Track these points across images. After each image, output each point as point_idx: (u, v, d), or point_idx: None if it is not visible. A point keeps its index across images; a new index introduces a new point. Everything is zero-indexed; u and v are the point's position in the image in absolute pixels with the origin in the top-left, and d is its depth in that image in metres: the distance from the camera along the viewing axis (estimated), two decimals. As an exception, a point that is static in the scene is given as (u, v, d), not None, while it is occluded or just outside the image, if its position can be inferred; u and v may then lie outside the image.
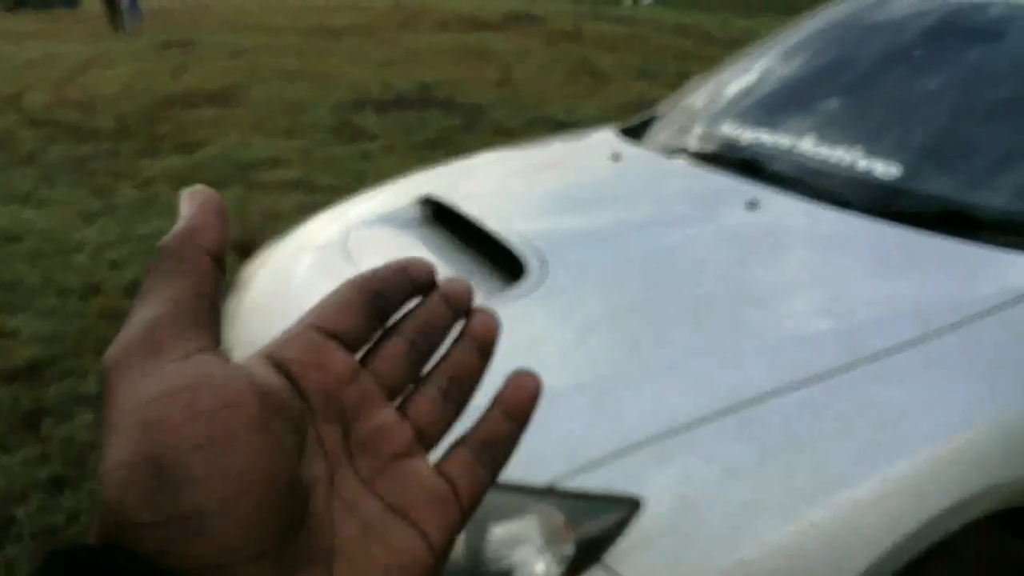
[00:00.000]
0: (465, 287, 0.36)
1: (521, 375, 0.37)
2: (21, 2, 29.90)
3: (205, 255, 0.31)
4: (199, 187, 0.33)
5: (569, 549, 1.06)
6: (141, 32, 18.30)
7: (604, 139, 2.32)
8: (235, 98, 9.23)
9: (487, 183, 2.08)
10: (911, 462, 1.09)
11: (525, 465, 1.10)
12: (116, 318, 3.53)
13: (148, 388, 0.26)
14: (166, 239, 0.31)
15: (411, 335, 0.34)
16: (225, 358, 0.28)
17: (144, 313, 0.29)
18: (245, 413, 0.27)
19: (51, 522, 2.29)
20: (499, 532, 1.09)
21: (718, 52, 13.04)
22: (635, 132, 2.35)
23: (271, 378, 0.30)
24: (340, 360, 0.32)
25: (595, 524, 1.06)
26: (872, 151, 1.73)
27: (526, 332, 1.34)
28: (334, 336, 0.33)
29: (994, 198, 1.58)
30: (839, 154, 1.77)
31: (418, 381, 0.35)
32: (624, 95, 9.53)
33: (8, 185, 5.58)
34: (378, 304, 0.34)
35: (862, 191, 1.65)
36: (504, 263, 1.57)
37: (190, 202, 0.33)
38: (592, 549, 1.05)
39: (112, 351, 0.28)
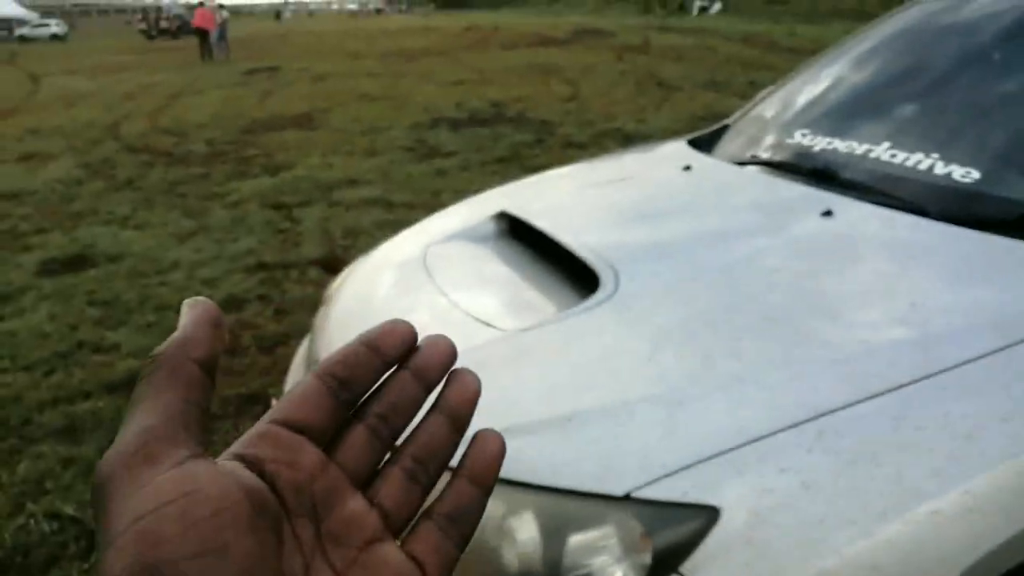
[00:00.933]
0: (444, 350, 0.38)
1: (484, 437, 0.37)
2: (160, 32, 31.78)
3: (195, 365, 0.32)
4: (199, 299, 0.35)
5: (647, 558, 1.07)
6: (228, 60, 19.05)
7: (675, 150, 2.37)
8: (317, 121, 9.58)
9: (560, 197, 2.15)
10: (993, 476, 1.07)
11: (602, 474, 1.14)
12: (210, 332, 3.73)
13: (143, 500, 0.28)
14: (159, 349, 0.32)
15: (374, 421, 0.35)
16: (212, 462, 0.30)
17: (137, 422, 0.30)
18: (235, 518, 0.28)
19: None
20: (577, 541, 1.11)
21: (785, 60, 12.86)
22: (706, 143, 2.38)
23: (251, 478, 0.31)
24: (309, 455, 0.33)
25: (672, 533, 1.07)
26: (948, 156, 1.70)
27: (600, 344, 1.37)
28: (301, 431, 0.34)
29: None
30: (915, 159, 1.74)
31: (386, 461, 0.36)
32: (692, 106, 9.51)
33: (108, 209, 5.93)
34: (341, 397, 0.34)
35: (939, 197, 1.63)
36: (578, 276, 1.61)
37: (188, 313, 0.34)
38: (669, 559, 1.06)
39: (106, 463, 0.29)
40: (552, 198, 2.15)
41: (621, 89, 11.16)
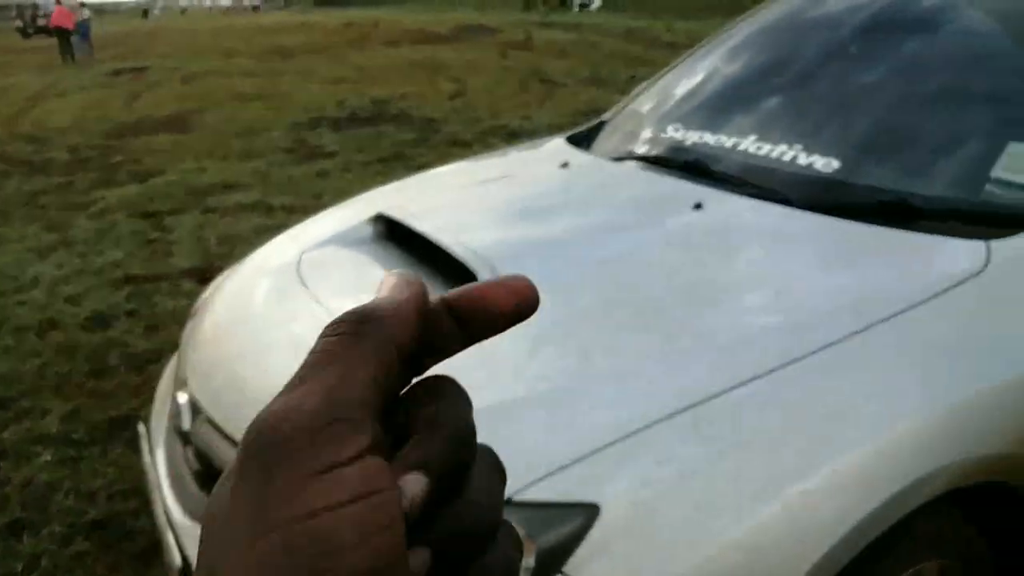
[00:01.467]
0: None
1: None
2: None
3: (393, 347, 0.28)
4: (402, 271, 0.31)
5: (530, 562, 1.07)
6: (92, 61, 18.10)
7: (554, 148, 2.38)
8: (189, 123, 9.19)
9: (439, 197, 2.11)
10: (858, 452, 1.12)
11: None
12: (74, 353, 3.51)
13: (323, 491, 0.23)
14: (357, 311, 0.28)
15: None
16: (384, 462, 0.25)
17: (323, 385, 0.25)
18: (396, 538, 0.24)
19: (10, 569, 2.27)
20: None
21: (665, 55, 13.19)
22: (584, 139, 2.40)
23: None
24: None
25: (555, 534, 1.07)
26: (811, 147, 1.77)
27: (479, 345, 1.37)
28: None
29: (929, 186, 1.63)
30: (779, 151, 1.80)
31: None
32: (576, 102, 9.64)
33: (-41, 224, 5.51)
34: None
35: (803, 187, 1.69)
36: (459, 277, 1.60)
37: (388, 285, 0.30)
38: (552, 560, 1.06)
39: (284, 419, 0.24)
40: (430, 198, 2.11)
41: (506, 86, 11.20)
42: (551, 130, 7.61)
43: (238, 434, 1.38)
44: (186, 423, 1.53)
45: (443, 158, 6.93)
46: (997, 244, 1.39)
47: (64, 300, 4.07)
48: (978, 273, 1.33)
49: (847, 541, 1.08)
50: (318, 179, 6.43)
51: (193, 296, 4.04)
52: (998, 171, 1.52)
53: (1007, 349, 1.27)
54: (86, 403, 3.10)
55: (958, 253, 1.38)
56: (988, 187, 1.52)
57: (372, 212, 2.01)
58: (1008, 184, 1.51)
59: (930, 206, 1.54)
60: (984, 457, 1.21)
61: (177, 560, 1.38)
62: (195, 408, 1.54)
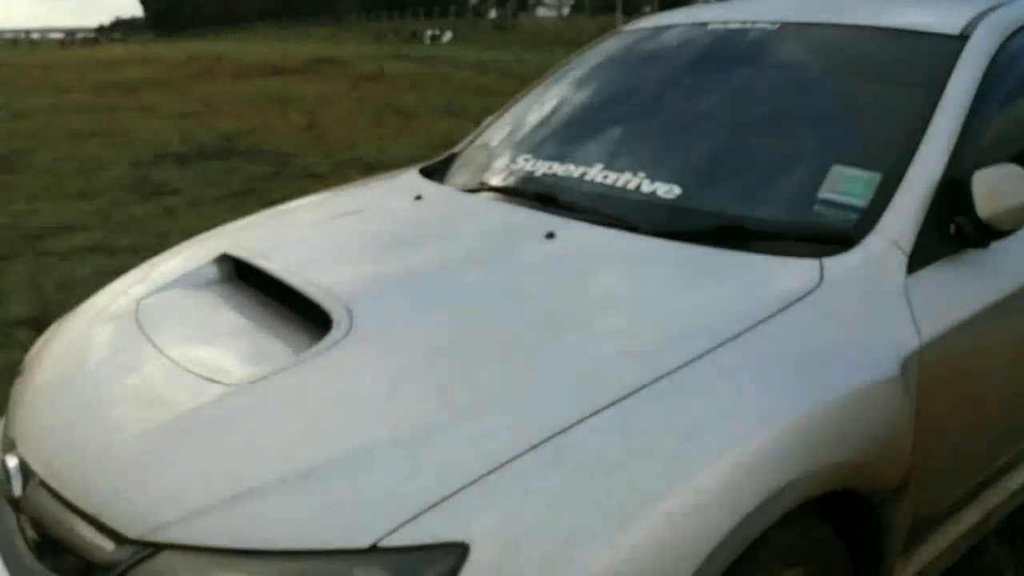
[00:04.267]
0: None
1: None
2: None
3: None
4: None
5: None
6: (-100, 98, 16.63)
7: (407, 180, 2.36)
8: (19, 162, 8.57)
9: (288, 234, 2.05)
10: (716, 470, 1.15)
11: (346, 528, 1.09)
12: None
13: None
14: None
15: None
16: None
17: None
18: None
19: None
20: None
21: (516, 86, 13.47)
22: (437, 171, 2.40)
23: None
24: None
25: None
26: (653, 174, 1.83)
27: (336, 388, 1.32)
28: None
29: (764, 209, 1.71)
30: (624, 179, 1.85)
31: None
32: (431, 133, 9.67)
33: None
34: None
35: (648, 213, 1.74)
36: (312, 317, 1.54)
37: None
38: None
39: None
40: (279, 235, 2.05)
41: (359, 118, 11.10)
42: (407, 161, 7.60)
43: (76, 498, 1.28)
44: (17, 489, 1.40)
45: (298, 192, 6.76)
46: (829, 261, 1.48)
47: None
48: (814, 289, 1.42)
49: (713, 558, 1.11)
50: (164, 217, 6.14)
51: (27, 347, 3.76)
52: (824, 192, 1.63)
53: (845, 360, 1.36)
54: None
55: (794, 271, 1.47)
56: (817, 208, 1.63)
57: (217, 251, 1.93)
58: (834, 204, 1.62)
59: (765, 228, 1.63)
60: (833, 466, 1.28)
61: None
62: (26, 472, 1.41)
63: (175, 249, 2.22)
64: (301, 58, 19.77)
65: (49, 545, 1.35)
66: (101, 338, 1.69)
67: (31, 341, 3.83)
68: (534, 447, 1.14)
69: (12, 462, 1.44)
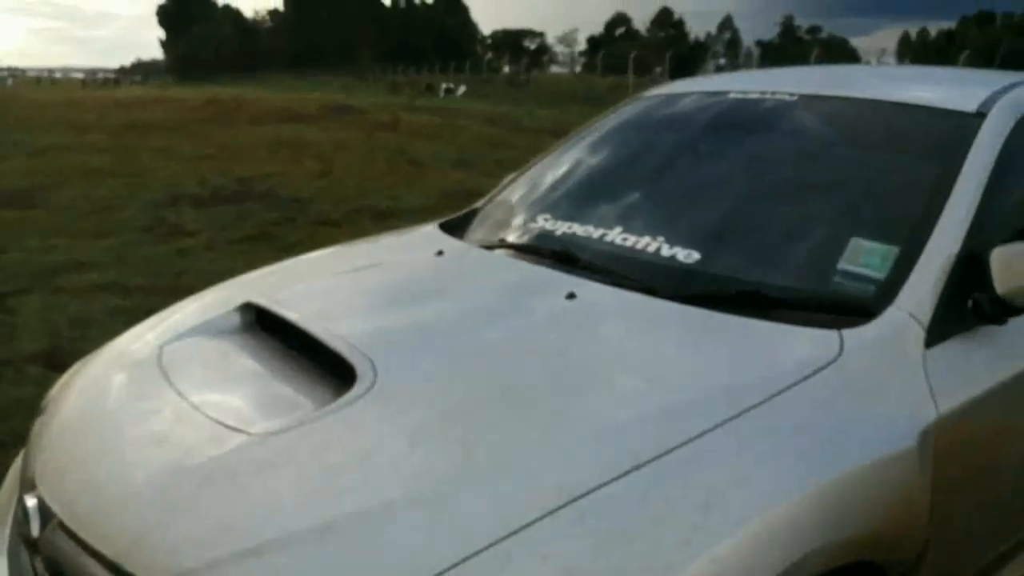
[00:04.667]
0: None
1: None
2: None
3: None
4: None
5: None
6: (-78, 131, 16.91)
7: (428, 235, 2.40)
8: (36, 199, 8.68)
9: (309, 285, 2.07)
10: (736, 539, 1.15)
11: None
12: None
13: None
14: None
15: None
16: None
17: None
18: None
19: None
20: None
21: (528, 140, 13.68)
22: (458, 227, 2.43)
23: None
24: None
25: None
26: (673, 239, 1.86)
27: (358, 443, 1.33)
28: None
29: (783, 277, 1.74)
30: (643, 242, 1.88)
31: None
32: (444, 183, 9.78)
33: None
34: None
35: (667, 277, 1.76)
36: (334, 370, 1.55)
37: None
38: None
39: None
40: (301, 286, 2.08)
41: (373, 166, 11.23)
42: (419, 210, 7.69)
43: (96, 541, 1.29)
44: (35, 530, 1.41)
45: (311, 237, 6.85)
46: (848, 333, 1.50)
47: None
48: (833, 360, 1.43)
49: None
50: (178, 258, 6.19)
51: (42, 383, 3.77)
52: (844, 264, 1.66)
53: (863, 432, 1.37)
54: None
55: (814, 341, 1.48)
56: (836, 279, 1.65)
57: (239, 299, 1.95)
58: (853, 276, 1.64)
59: (784, 296, 1.65)
60: (851, 537, 1.28)
61: None
62: (45, 513, 1.42)
63: (197, 296, 2.24)
64: (318, 105, 20.07)
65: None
66: (123, 382, 1.71)
67: (43, 377, 3.86)
68: (552, 511, 1.15)
69: (31, 502, 1.44)
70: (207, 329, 1.87)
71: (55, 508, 1.39)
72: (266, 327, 1.86)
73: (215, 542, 1.20)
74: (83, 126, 16.70)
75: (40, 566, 1.41)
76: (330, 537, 1.16)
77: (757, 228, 1.90)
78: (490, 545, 1.11)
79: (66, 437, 1.57)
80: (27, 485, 1.53)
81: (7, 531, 1.61)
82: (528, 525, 1.13)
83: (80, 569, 1.29)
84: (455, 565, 1.09)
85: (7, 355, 4.14)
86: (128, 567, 1.22)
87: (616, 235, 1.98)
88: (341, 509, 1.20)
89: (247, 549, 1.17)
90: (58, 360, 4.06)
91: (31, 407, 3.48)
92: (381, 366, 1.49)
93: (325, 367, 1.59)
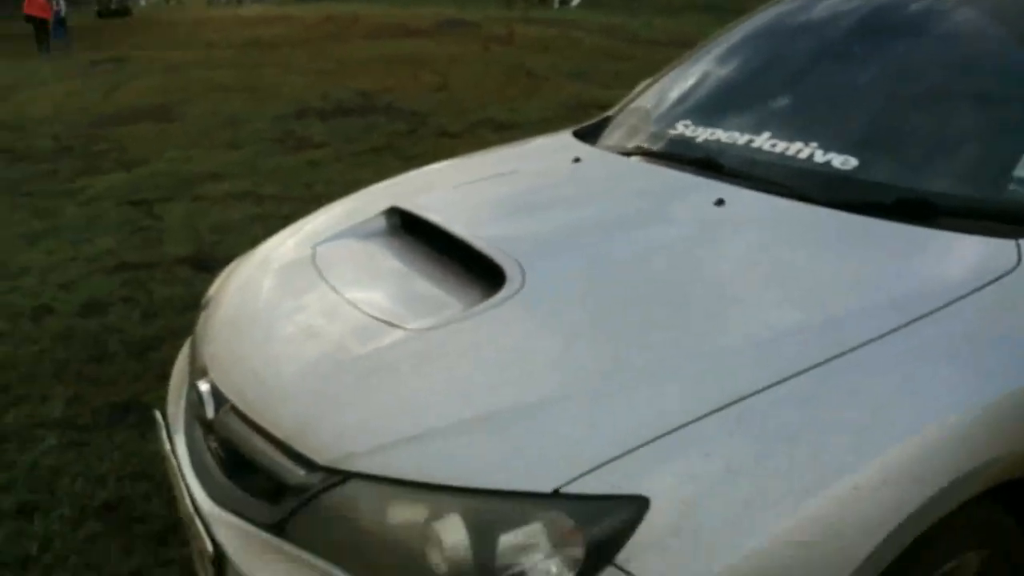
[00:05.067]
0: None
1: None
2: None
3: None
4: None
5: (579, 552, 1.08)
6: (69, 51, 17.82)
7: (562, 143, 2.37)
8: (172, 113, 9.09)
9: (451, 192, 2.10)
10: (906, 447, 1.13)
11: (528, 472, 1.14)
12: (71, 340, 3.48)
13: None
14: None
15: None
16: None
17: None
18: None
19: (23, 550, 2.26)
20: (508, 540, 1.10)
21: (645, 51, 13.24)
22: (591, 134, 2.39)
23: None
24: None
25: (604, 526, 1.07)
26: (827, 144, 1.77)
27: (511, 341, 1.36)
28: None
29: (952, 185, 1.63)
30: (795, 148, 1.80)
31: None
32: (561, 95, 9.63)
33: (-57, 211, 5.42)
34: None
35: (823, 184, 1.69)
36: (480, 272, 1.58)
37: None
38: (603, 551, 1.07)
39: None
40: (442, 192, 2.11)
41: (490, 79, 11.16)
42: (538, 122, 7.62)
43: (267, 425, 1.38)
44: (209, 412, 1.52)
45: (434, 149, 6.92)
46: (1026, 243, 1.40)
47: (57, 287, 4.03)
48: (1011, 271, 1.35)
49: (896, 535, 1.09)
50: (308, 169, 6.39)
51: (189, 284, 4.03)
52: (1021, 171, 1.55)
53: None
54: (87, 389, 3.07)
55: (988, 251, 1.39)
56: (1012, 186, 1.55)
57: (381, 205, 2.00)
58: (1032, 184, 1.53)
59: (955, 204, 1.55)
60: (1021, 453, 1.23)
61: (209, 548, 1.38)
62: (218, 398, 1.53)
63: (339, 202, 2.30)
64: (433, 20, 19.96)
65: (238, 465, 1.46)
66: (281, 279, 1.80)
67: (191, 277, 4.10)
68: (714, 411, 1.15)
69: (204, 387, 1.55)
70: (355, 232, 1.93)
71: (227, 394, 1.49)
72: (411, 230, 1.90)
73: (379, 429, 1.26)
74: (210, 43, 17.23)
75: (215, 443, 1.53)
76: (491, 426, 1.21)
77: (919, 133, 1.79)
78: (651, 440, 1.12)
79: (234, 329, 1.67)
80: (198, 372, 1.65)
81: (182, 412, 1.74)
82: (688, 423, 1.13)
83: (252, 448, 1.39)
84: (618, 456, 1.11)
85: (159, 258, 4.42)
86: (298, 448, 1.31)
87: (764, 141, 1.90)
88: (500, 401, 1.24)
89: (411, 436, 1.23)
90: (202, 262, 4.31)
91: (183, 305, 3.73)
92: (529, 268, 1.52)
93: (472, 269, 1.62)
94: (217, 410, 1.50)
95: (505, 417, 1.22)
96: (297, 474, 1.29)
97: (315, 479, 1.26)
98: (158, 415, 1.77)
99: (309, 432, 1.31)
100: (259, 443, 1.38)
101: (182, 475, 1.56)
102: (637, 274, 1.50)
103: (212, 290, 2.05)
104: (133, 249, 4.56)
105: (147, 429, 2.80)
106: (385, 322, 1.48)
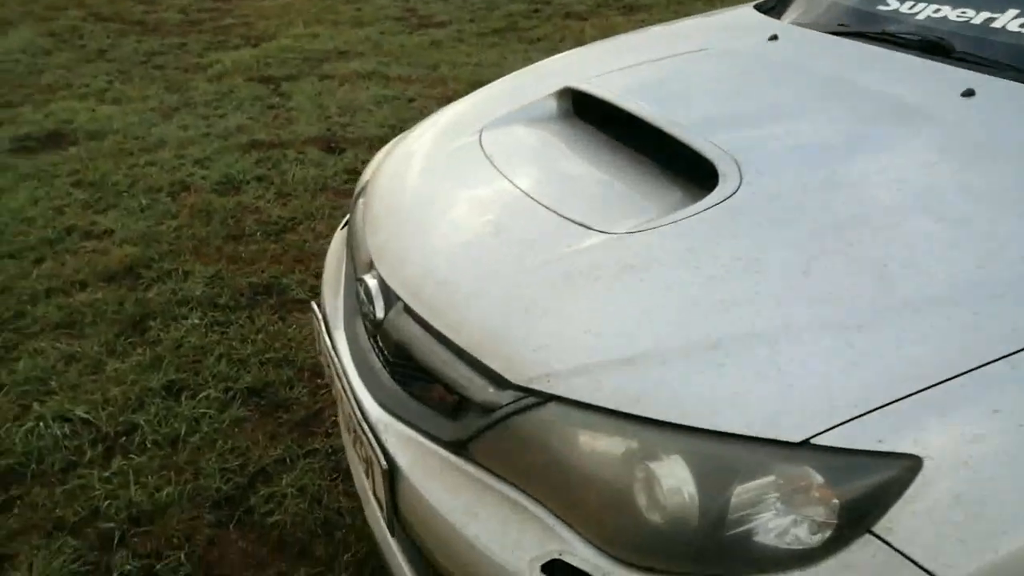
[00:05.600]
0: None
1: None
2: None
3: None
4: None
5: (829, 515, 0.91)
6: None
7: (747, 18, 2.08)
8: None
9: (630, 72, 1.84)
10: None
11: (771, 415, 0.94)
12: (209, 217, 3.47)
13: None
14: None
15: None
16: None
17: None
18: None
19: (173, 430, 2.27)
20: (744, 493, 0.94)
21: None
22: (777, 9, 2.10)
23: None
24: None
25: (863, 487, 0.90)
26: None
27: (737, 252, 1.15)
28: None
29: None
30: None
31: None
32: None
33: (82, 82, 5.49)
34: None
35: None
36: (680, 167, 1.38)
37: None
38: (859, 517, 0.90)
39: None
40: (620, 73, 1.86)
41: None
42: (670, 2, 7.10)
43: (447, 330, 1.21)
44: (379, 311, 1.39)
45: (559, 31, 6.57)
46: None
47: (193, 163, 4.02)
48: None
49: None
50: (432, 49, 6.16)
51: (320, 165, 3.95)
52: None
53: None
54: (227, 268, 3.07)
55: None
56: None
57: (547, 86, 1.79)
58: None
59: None
60: None
61: (382, 461, 1.27)
62: (388, 295, 1.40)
63: (500, 82, 2.10)
64: None
65: (411, 371, 1.34)
66: (451, 167, 1.62)
67: (321, 159, 4.03)
68: (1007, 355, 0.93)
69: (372, 282, 1.42)
70: (523, 116, 1.73)
71: (399, 292, 1.36)
72: (586, 115, 1.70)
73: (582, 347, 1.10)
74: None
75: (385, 345, 1.41)
76: (721, 355, 1.02)
77: None
78: (925, 388, 0.92)
79: (399, 219, 1.52)
80: (363, 266, 1.52)
81: (341, 306, 1.63)
82: (974, 369, 0.92)
83: (428, 355, 1.26)
84: (885, 405, 0.92)
85: (289, 137, 4.35)
86: (486, 361, 1.17)
87: (1009, 20, 1.59)
88: (731, 326, 1.05)
89: (620, 359, 1.06)
90: (332, 144, 4.22)
91: (316, 187, 3.66)
92: (748, 168, 1.29)
93: (669, 163, 1.42)
94: (387, 309, 1.37)
95: (739, 346, 1.02)
96: (484, 390, 1.16)
97: (506, 398, 1.12)
98: (316, 308, 1.68)
99: (499, 343, 1.16)
100: (437, 350, 1.25)
101: (345, 376, 1.45)
102: (885, 185, 1.25)
103: (366, 175, 1.91)
104: (264, 127, 4.51)
105: (287, 313, 2.78)
106: (575, 222, 1.30)
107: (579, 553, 1.04)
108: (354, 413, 1.38)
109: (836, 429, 0.92)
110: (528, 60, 5.71)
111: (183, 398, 2.39)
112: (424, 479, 1.22)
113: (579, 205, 1.36)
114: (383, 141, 4.30)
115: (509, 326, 1.17)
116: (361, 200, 1.76)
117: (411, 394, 1.33)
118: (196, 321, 2.73)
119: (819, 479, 0.92)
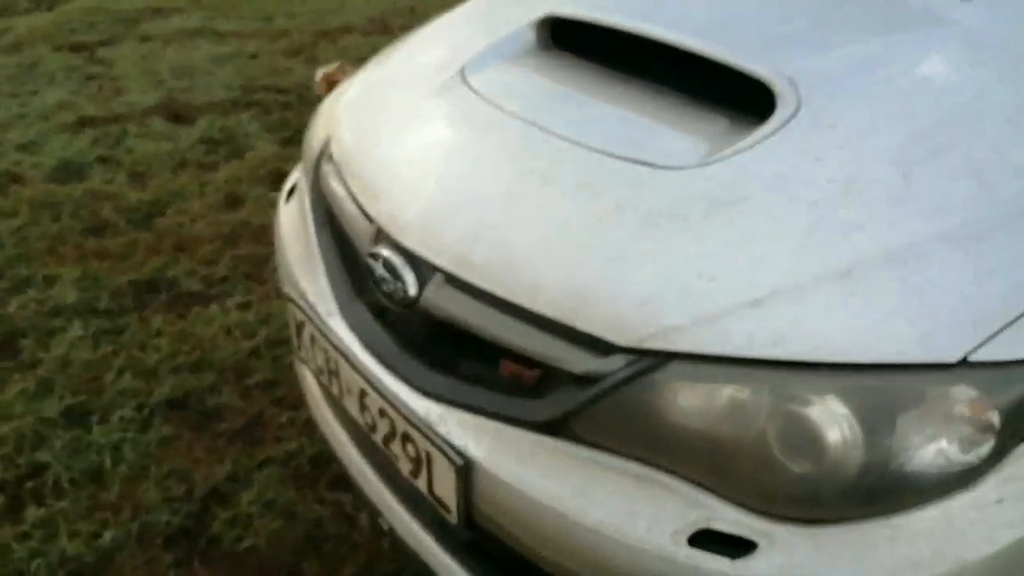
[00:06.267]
0: None
1: None
2: None
3: None
4: None
5: (988, 429, 0.89)
6: None
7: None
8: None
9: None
10: None
11: (921, 338, 0.88)
12: (57, 210, 3.00)
13: None
14: None
15: None
16: None
17: None
18: None
19: (90, 463, 1.95)
20: (907, 422, 0.89)
21: None
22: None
23: None
24: None
25: (1018, 396, 0.89)
26: None
27: (828, 174, 1.06)
28: None
29: None
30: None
31: None
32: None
33: None
34: None
35: None
36: (694, 91, 1.27)
37: None
38: (1017, 426, 0.89)
39: None
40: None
41: None
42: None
43: (519, 298, 1.03)
44: (411, 288, 1.18)
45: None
46: None
47: (16, 149, 3.47)
48: None
49: None
50: None
51: (169, 137, 3.54)
52: None
53: None
54: (96, 266, 2.67)
55: None
56: None
57: (518, 16, 1.60)
58: None
59: None
60: None
61: (453, 455, 1.10)
62: (416, 268, 1.19)
63: (455, 15, 1.83)
64: None
65: (456, 352, 1.18)
66: (445, 114, 1.41)
67: (171, 132, 3.61)
68: None
69: (393, 256, 1.20)
70: (500, 50, 1.53)
71: (437, 262, 1.16)
72: (576, 46, 1.51)
73: (699, 294, 0.98)
74: None
75: (416, 326, 1.23)
76: (854, 283, 0.94)
77: None
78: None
79: (412, 180, 1.29)
80: (366, 240, 1.29)
81: (328, 290, 1.41)
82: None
83: (494, 328, 1.09)
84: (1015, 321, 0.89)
85: (125, 110, 3.86)
86: (579, 325, 1.02)
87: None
88: (853, 251, 0.97)
89: (746, 301, 0.96)
90: (177, 112, 3.80)
91: (173, 163, 3.27)
92: (801, 84, 1.19)
93: (702, 91, 1.28)
94: (421, 285, 1.18)
95: (871, 271, 0.95)
96: (582, 359, 1.02)
97: (613, 364, 0.99)
98: (293, 297, 1.45)
99: (592, 303, 1.02)
100: (505, 321, 1.08)
101: (359, 370, 1.26)
102: (939, 88, 1.20)
103: (319, 134, 1.61)
104: (90, 101, 3.97)
105: (185, 309, 2.46)
106: (634, 161, 1.16)
107: (729, 518, 0.95)
108: (388, 410, 1.20)
109: (989, 343, 0.89)
110: (375, 1, 5.34)
111: (92, 424, 2.05)
112: (514, 469, 1.07)
113: (620, 143, 1.21)
114: (236, 104, 3.92)
115: (601, 284, 1.03)
116: (328, 164, 1.52)
117: (464, 378, 1.16)
118: (79, 333, 2.35)
119: (978, 395, 0.88)
